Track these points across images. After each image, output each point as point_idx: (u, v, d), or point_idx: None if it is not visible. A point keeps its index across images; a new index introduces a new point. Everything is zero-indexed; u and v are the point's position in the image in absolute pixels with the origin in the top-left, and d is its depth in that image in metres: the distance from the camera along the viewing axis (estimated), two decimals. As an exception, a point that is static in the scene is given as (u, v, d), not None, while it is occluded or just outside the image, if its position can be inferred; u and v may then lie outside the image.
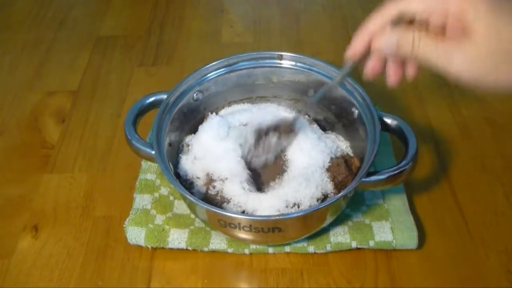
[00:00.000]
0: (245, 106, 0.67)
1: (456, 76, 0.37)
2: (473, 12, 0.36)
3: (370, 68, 0.45)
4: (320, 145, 0.58)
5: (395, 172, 0.51)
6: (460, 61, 0.36)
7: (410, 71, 0.44)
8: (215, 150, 0.58)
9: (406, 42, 0.39)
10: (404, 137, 0.54)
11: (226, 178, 0.56)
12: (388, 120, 0.56)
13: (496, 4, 0.35)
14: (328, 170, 0.57)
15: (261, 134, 0.57)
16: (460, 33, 0.37)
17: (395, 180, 0.52)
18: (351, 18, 0.92)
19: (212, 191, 0.56)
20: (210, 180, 0.57)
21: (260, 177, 0.59)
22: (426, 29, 0.39)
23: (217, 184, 0.57)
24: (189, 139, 0.63)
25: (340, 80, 0.51)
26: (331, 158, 0.58)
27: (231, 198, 0.55)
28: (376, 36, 0.41)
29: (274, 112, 0.65)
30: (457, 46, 0.36)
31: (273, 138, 0.57)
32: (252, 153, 0.58)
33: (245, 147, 0.58)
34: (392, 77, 0.44)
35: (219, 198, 0.56)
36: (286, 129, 0.57)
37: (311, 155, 0.57)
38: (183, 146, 0.63)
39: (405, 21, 0.40)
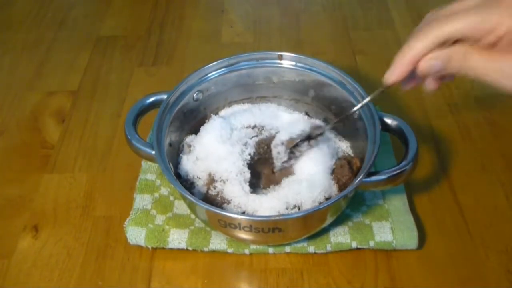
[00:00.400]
0: (246, 106, 0.67)
1: (508, 88, 0.39)
2: None
3: (411, 86, 0.46)
4: (323, 147, 0.58)
5: (396, 172, 0.51)
6: None
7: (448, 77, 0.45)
8: (217, 151, 0.58)
9: (455, 60, 0.40)
10: (404, 137, 0.54)
11: (227, 179, 0.56)
12: (388, 120, 0.56)
13: None
14: (332, 172, 0.57)
15: (292, 146, 0.57)
16: (509, 48, 0.38)
17: (396, 180, 0.52)
18: (351, 18, 0.92)
19: (212, 192, 0.56)
20: (211, 181, 0.57)
21: (261, 178, 0.59)
22: (471, 45, 0.39)
23: (218, 185, 0.57)
24: (189, 139, 0.63)
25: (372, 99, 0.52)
26: (335, 160, 0.58)
27: (231, 199, 0.55)
28: (422, 61, 0.41)
29: (275, 112, 0.65)
30: (508, 60, 0.38)
31: (304, 146, 0.58)
32: (282, 160, 0.58)
33: (277, 160, 0.58)
34: (433, 87, 0.45)
35: (219, 199, 0.56)
36: (315, 136, 0.58)
37: (315, 158, 0.57)
38: (183, 146, 0.63)
39: (450, 42, 0.40)
